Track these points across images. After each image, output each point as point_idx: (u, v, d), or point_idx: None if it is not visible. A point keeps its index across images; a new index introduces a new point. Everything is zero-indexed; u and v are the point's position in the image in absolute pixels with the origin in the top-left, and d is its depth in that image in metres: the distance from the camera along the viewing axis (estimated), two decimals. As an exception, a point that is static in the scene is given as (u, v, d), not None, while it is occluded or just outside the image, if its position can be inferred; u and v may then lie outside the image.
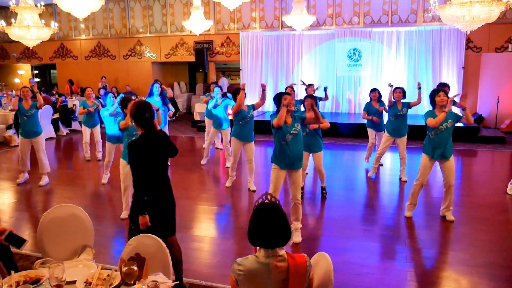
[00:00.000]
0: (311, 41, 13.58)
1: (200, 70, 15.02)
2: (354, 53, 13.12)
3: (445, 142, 5.12)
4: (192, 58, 15.10)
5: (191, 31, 12.78)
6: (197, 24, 11.79)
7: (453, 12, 7.41)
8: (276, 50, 13.96)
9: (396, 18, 12.63)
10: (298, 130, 4.55)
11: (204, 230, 5.35)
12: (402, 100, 6.96)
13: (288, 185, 4.85)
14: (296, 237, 4.78)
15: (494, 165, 8.88)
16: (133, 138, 4.98)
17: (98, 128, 8.81)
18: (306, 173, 7.40)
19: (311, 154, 6.26)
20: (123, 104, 5.19)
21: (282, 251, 2.20)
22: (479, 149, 9.75)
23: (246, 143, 6.60)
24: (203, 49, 14.56)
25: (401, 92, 6.93)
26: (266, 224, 2.18)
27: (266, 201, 2.23)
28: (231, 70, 18.49)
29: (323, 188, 6.38)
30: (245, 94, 6.09)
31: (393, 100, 6.95)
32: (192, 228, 5.36)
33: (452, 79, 12.17)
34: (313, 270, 2.25)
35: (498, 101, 11.36)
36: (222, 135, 8.21)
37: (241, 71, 14.52)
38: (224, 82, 15.53)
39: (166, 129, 8.22)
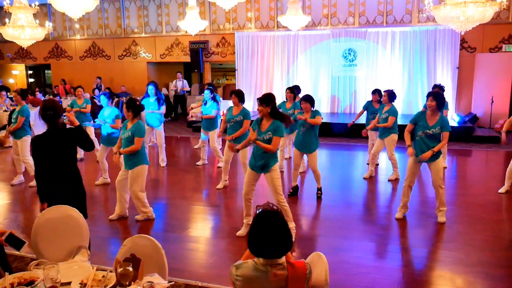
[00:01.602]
0: (307, 41, 13.60)
1: (196, 71, 15.00)
2: (350, 53, 13.16)
3: (421, 145, 5.05)
4: (187, 59, 15.07)
5: (186, 31, 12.77)
6: (193, 24, 11.78)
7: (447, 12, 7.45)
8: (272, 50, 13.97)
9: (391, 18, 12.67)
10: (268, 138, 4.50)
11: (199, 231, 5.34)
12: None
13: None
14: None
15: (488, 164, 8.93)
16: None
17: (91, 128, 8.68)
18: (302, 172, 7.43)
19: (305, 154, 6.26)
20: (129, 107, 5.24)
21: (282, 259, 2.16)
22: (473, 148, 9.80)
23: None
24: (198, 49, 14.54)
25: (386, 95, 6.99)
26: (266, 234, 2.12)
27: (267, 208, 2.20)
28: (227, 70, 18.48)
29: (318, 189, 6.36)
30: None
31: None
32: (187, 229, 5.35)
33: (447, 79, 12.23)
34: (312, 276, 2.23)
35: (492, 101, 11.43)
36: (209, 136, 8.06)
37: (236, 71, 14.51)
38: (184, 83, 14.92)
39: (161, 129, 8.20)
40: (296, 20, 11.09)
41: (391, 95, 6.98)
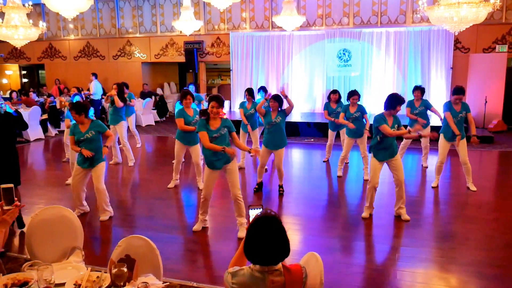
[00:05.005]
0: (301, 42, 13.61)
1: (190, 71, 14.98)
2: (344, 54, 13.18)
3: (391, 144, 5.26)
4: (182, 59, 15.05)
5: (181, 31, 12.76)
6: (187, 24, 11.77)
7: (441, 13, 7.49)
8: (266, 50, 13.97)
9: (385, 19, 12.72)
10: (222, 134, 4.75)
11: (195, 232, 5.33)
12: (358, 103, 7.18)
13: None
14: (241, 232, 4.93)
15: (482, 164, 8.97)
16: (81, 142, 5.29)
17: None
18: (266, 170, 7.68)
19: (272, 152, 6.34)
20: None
21: (279, 265, 2.13)
22: (467, 148, 9.81)
23: (190, 146, 6.68)
24: (193, 49, 14.52)
25: (358, 97, 7.16)
26: (264, 240, 2.07)
27: (263, 212, 2.16)
28: (221, 71, 18.48)
29: (280, 186, 6.47)
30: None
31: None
32: (182, 229, 5.34)
33: (441, 79, 12.30)
34: (308, 279, 2.23)
35: (486, 101, 11.49)
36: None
37: (231, 71, 14.51)
38: (96, 86, 13.32)
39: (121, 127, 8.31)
40: (291, 20, 11.11)
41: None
